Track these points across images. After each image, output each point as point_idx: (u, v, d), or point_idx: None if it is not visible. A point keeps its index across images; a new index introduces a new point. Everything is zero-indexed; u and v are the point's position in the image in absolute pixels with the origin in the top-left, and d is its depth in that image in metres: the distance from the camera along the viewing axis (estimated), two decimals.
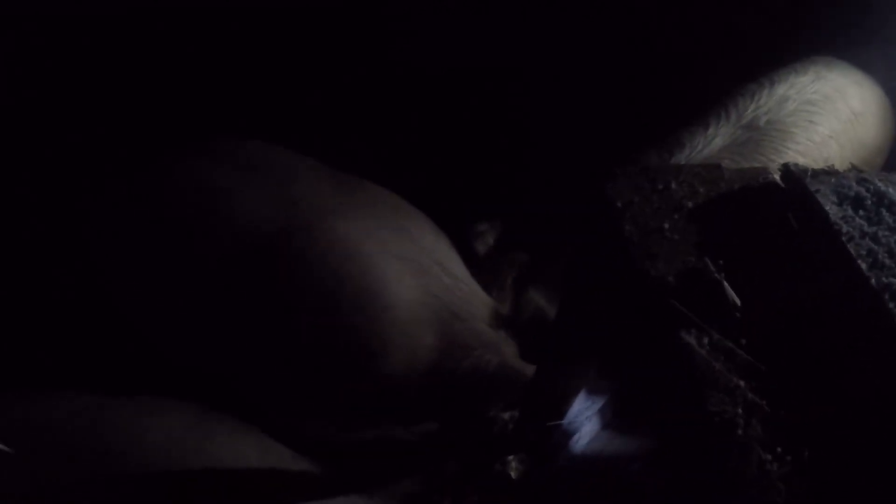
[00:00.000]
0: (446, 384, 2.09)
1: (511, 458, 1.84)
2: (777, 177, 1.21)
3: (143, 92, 2.61)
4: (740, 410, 0.93)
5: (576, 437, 1.38)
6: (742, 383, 0.94)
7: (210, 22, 2.65)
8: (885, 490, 0.91)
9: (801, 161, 1.82)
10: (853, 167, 1.23)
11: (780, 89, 2.38)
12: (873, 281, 1.02)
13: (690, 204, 1.17)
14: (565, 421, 1.42)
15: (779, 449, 0.91)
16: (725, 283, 1.04)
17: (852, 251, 1.06)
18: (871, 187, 1.17)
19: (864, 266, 1.04)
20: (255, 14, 2.68)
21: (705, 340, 0.99)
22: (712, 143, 2.23)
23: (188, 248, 2.05)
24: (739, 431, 0.91)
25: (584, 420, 1.32)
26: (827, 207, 1.12)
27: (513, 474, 1.83)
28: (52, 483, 1.59)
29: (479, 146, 2.94)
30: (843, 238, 1.08)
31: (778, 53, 2.55)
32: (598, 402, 1.27)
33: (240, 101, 2.70)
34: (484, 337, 2.16)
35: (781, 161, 1.84)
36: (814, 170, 1.18)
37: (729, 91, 2.43)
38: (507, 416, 2.12)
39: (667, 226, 1.14)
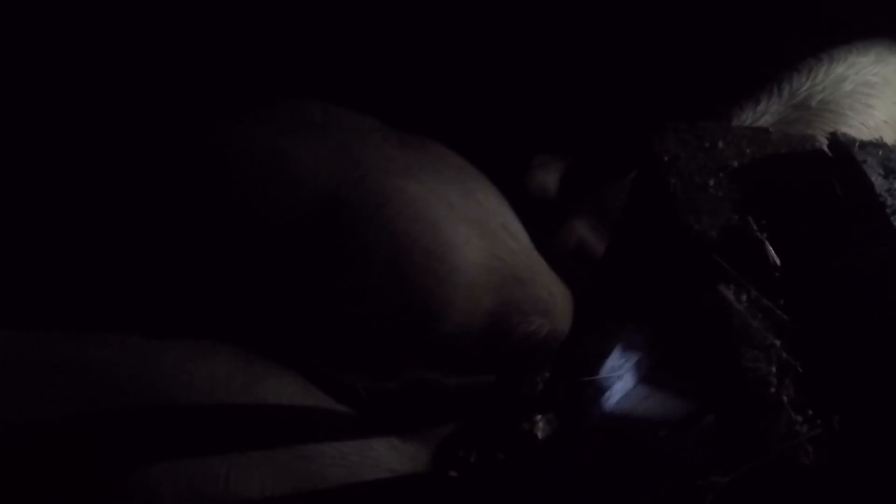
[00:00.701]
0: (497, 347, 2.08)
1: (539, 417, 1.82)
2: (824, 145, 1.20)
3: (144, 92, 2.60)
4: (774, 369, 0.92)
5: (608, 393, 1.37)
6: (778, 342, 0.94)
7: (210, 22, 2.65)
8: None
9: None
10: None
11: (839, 68, 2.29)
12: None
13: (736, 164, 1.17)
14: (599, 376, 1.41)
15: (810, 412, 0.90)
16: (767, 243, 1.03)
17: (895, 224, 1.05)
18: None
19: None
20: (254, 14, 2.68)
21: (744, 297, 0.99)
22: (760, 120, 2.16)
23: (240, 212, 2.02)
24: (772, 389, 0.90)
25: (617, 377, 1.31)
26: (872, 179, 1.11)
27: (539, 434, 1.81)
28: (99, 422, 1.60)
29: (479, 146, 2.94)
30: (888, 210, 1.07)
31: (839, 29, 2.45)
32: (633, 358, 1.26)
33: (240, 102, 2.70)
34: (541, 304, 2.15)
35: None
36: (861, 141, 1.17)
37: (785, 64, 2.34)
38: (538, 377, 2.10)
39: (712, 182, 1.14)
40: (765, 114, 2.18)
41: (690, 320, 1.05)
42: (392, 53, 2.88)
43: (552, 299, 2.20)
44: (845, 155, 1.16)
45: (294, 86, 2.80)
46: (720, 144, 1.18)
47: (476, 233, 2.07)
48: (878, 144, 1.18)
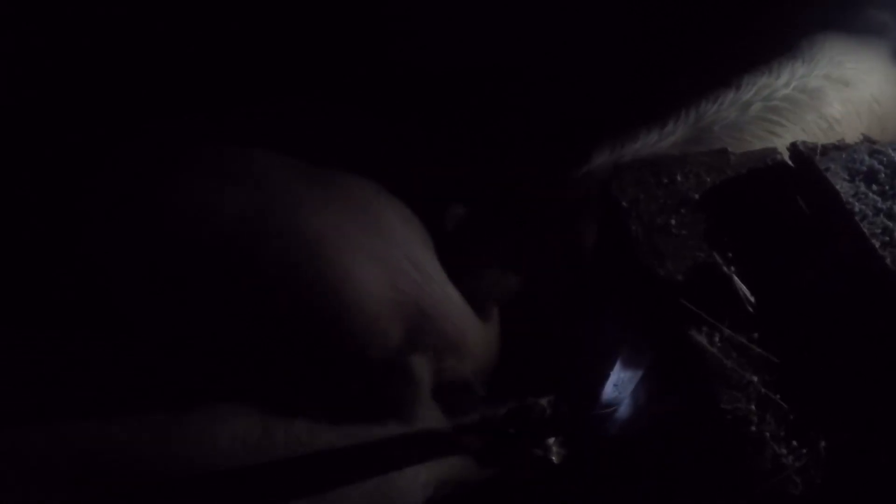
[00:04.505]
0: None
1: (552, 441, 1.83)
2: (786, 157, 1.16)
3: (144, 92, 2.60)
4: (753, 406, 0.91)
5: (614, 416, 1.35)
6: (755, 378, 0.92)
7: (210, 23, 2.65)
8: None
9: None
10: (865, 138, 1.18)
11: (745, 94, 2.25)
12: (889, 261, 0.98)
13: (697, 196, 1.13)
14: (601, 404, 1.40)
15: (794, 442, 0.89)
16: (735, 278, 1.01)
17: (866, 230, 1.01)
18: (885, 159, 1.11)
19: (877, 244, 0.99)
20: (255, 14, 2.67)
21: (716, 337, 0.96)
22: (667, 139, 2.16)
23: (179, 249, 2.13)
24: (753, 427, 0.89)
25: (617, 405, 1.30)
26: (838, 185, 1.06)
27: (555, 459, 1.82)
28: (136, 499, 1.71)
29: (478, 146, 2.93)
30: (857, 217, 1.02)
31: (755, 51, 2.42)
32: (630, 388, 1.24)
33: (240, 102, 2.70)
34: (450, 339, 2.21)
35: None
36: (823, 146, 1.12)
37: (695, 94, 2.31)
38: (544, 401, 2.11)
39: (673, 222, 1.10)
40: (673, 133, 2.18)
41: (666, 366, 1.03)
42: (392, 53, 2.87)
43: (462, 335, 2.24)
44: (808, 165, 1.11)
45: (294, 86, 2.81)
46: (678, 178, 1.13)
47: (379, 267, 2.13)
48: (840, 147, 1.13)
